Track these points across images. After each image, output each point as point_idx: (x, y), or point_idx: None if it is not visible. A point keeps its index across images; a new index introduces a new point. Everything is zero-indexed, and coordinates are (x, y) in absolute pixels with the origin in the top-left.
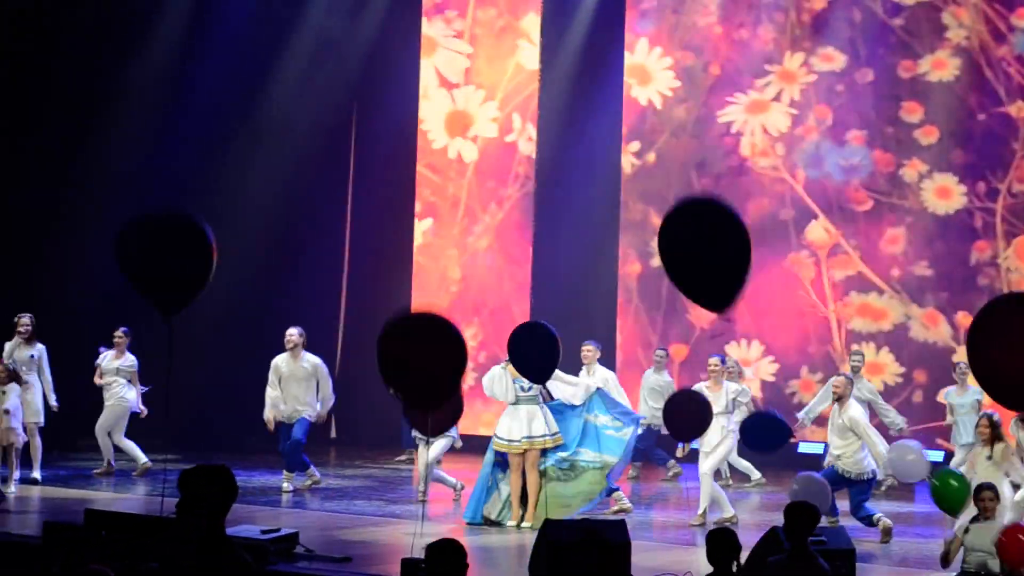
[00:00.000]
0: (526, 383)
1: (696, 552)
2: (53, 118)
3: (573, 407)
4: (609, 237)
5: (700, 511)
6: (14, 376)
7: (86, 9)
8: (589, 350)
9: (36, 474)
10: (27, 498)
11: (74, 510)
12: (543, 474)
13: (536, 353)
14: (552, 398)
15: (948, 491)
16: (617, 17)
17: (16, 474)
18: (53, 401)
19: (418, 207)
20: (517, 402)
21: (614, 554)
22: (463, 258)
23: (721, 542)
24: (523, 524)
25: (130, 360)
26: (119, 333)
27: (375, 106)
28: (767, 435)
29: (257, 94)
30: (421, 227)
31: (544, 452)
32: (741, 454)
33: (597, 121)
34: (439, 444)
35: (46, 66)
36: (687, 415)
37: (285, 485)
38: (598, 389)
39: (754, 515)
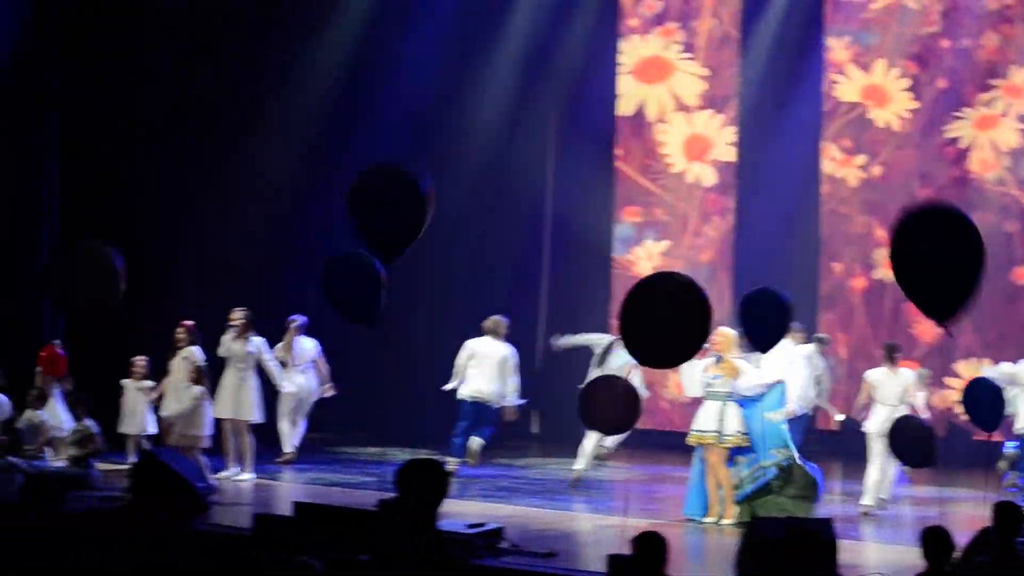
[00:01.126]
0: (710, 377)
1: (905, 552)
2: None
3: (753, 402)
4: (810, 247)
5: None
6: (200, 377)
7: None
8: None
9: (247, 473)
10: (237, 491)
11: (284, 503)
12: (766, 490)
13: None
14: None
15: None
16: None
17: (232, 470)
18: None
19: (636, 218)
20: (707, 396)
21: (821, 553)
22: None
23: (936, 541)
24: (723, 520)
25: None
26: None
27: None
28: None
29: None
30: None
31: (733, 451)
32: None
33: (797, 120)
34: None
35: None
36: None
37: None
38: (782, 384)
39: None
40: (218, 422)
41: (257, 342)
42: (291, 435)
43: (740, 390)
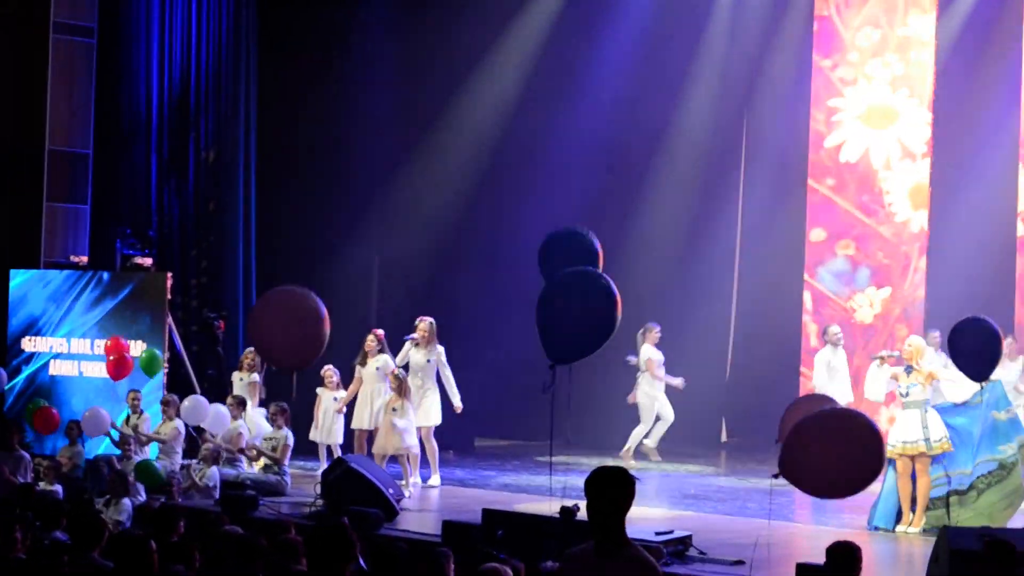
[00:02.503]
0: (904, 387)
1: None
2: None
3: (972, 407)
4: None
5: None
6: (403, 386)
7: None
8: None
9: (434, 478)
10: (426, 498)
11: (472, 509)
12: (966, 494)
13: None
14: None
15: None
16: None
17: (415, 477)
18: (457, 401)
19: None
20: (904, 407)
21: (1017, 565)
22: None
23: None
24: (909, 529)
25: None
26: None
27: (766, 117)
28: None
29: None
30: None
31: (935, 459)
32: None
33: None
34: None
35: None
36: None
37: None
38: (998, 382)
39: None
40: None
41: (439, 351)
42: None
43: (951, 397)
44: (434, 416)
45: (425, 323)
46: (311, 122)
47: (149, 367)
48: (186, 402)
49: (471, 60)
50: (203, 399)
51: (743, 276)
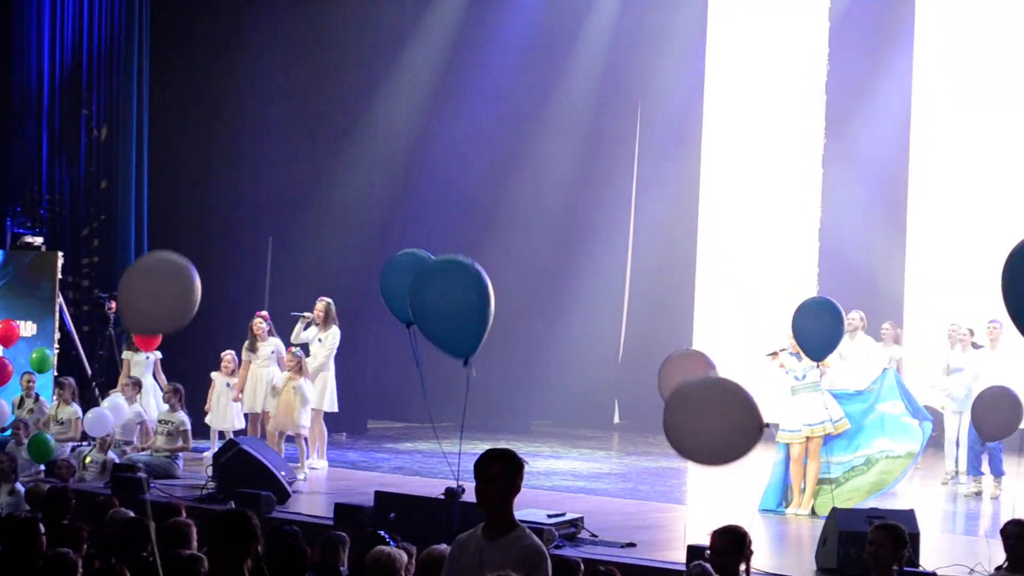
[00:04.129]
0: (799, 371)
1: (981, 543)
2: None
3: (862, 394)
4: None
5: None
6: (300, 366)
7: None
8: (852, 319)
9: (320, 462)
10: (319, 480)
11: (364, 492)
12: (834, 481)
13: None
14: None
15: None
16: None
17: (320, 460)
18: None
19: None
20: (794, 392)
21: (902, 543)
22: None
23: (1017, 535)
24: (799, 511)
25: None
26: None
27: (660, 100)
28: None
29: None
30: None
31: (828, 439)
32: None
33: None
34: None
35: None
36: None
37: None
38: (894, 374)
39: None
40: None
41: (333, 332)
42: None
43: (841, 385)
44: (327, 401)
45: (322, 303)
46: (205, 101)
47: (40, 366)
48: (89, 415)
49: (367, 39)
50: (106, 413)
51: (636, 257)
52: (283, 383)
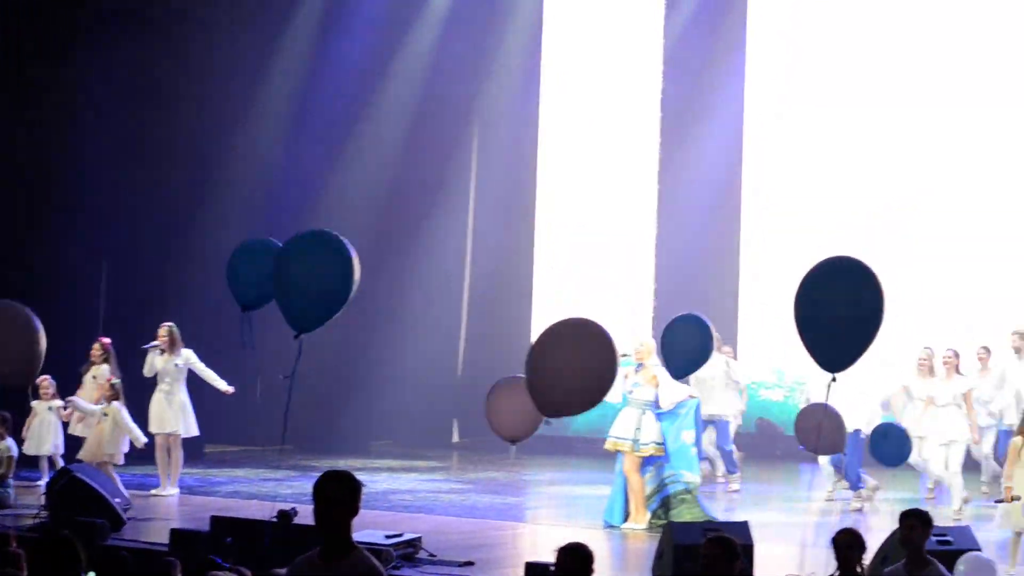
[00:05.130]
0: (629, 385)
1: (815, 553)
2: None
3: (672, 418)
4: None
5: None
6: (116, 394)
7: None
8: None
9: (171, 489)
10: (155, 507)
11: (201, 517)
12: (674, 499)
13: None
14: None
15: None
16: None
17: (161, 487)
18: (224, 386)
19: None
20: (624, 403)
21: (737, 555)
22: None
23: (846, 543)
24: (636, 526)
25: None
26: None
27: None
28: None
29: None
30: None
31: (646, 460)
32: None
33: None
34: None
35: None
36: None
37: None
38: (697, 405)
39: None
40: (152, 437)
41: (185, 354)
42: None
43: (660, 403)
44: (182, 424)
45: (164, 328)
46: (28, 117)
47: None
48: None
49: (196, 57)
50: None
51: (474, 274)
52: (99, 413)
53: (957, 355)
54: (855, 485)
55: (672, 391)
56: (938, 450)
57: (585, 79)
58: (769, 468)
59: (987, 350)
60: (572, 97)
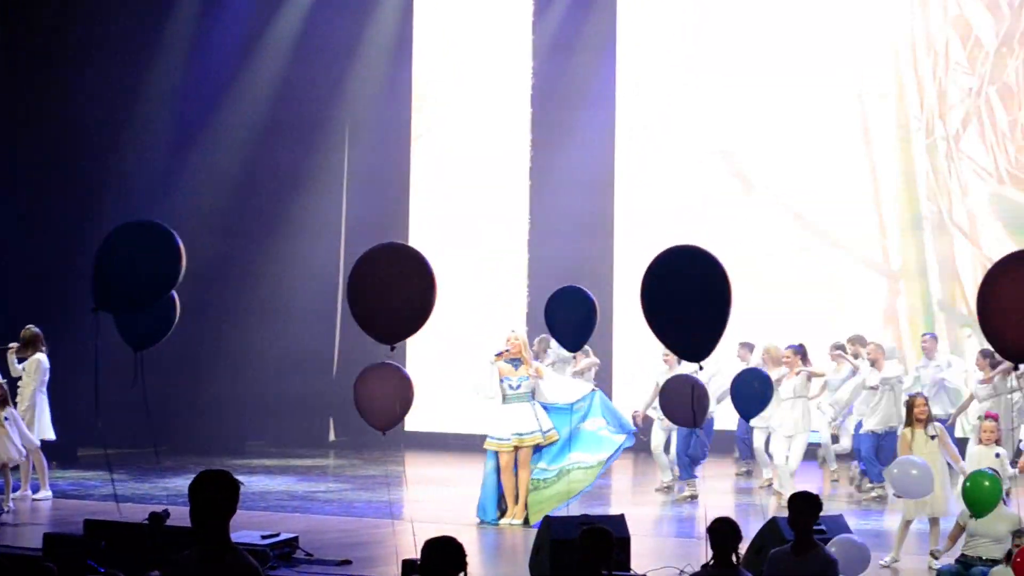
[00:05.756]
0: (515, 380)
1: (693, 544)
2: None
3: (569, 411)
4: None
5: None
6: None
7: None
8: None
9: (43, 492)
10: (27, 511)
11: (75, 521)
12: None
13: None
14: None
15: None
16: None
17: (22, 490)
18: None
19: None
20: (505, 400)
21: (614, 548)
22: None
23: (722, 532)
24: (513, 521)
25: None
26: None
27: (368, 111)
28: None
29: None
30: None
31: (538, 449)
32: None
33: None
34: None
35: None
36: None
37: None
38: (600, 395)
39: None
40: None
41: (32, 360)
42: None
43: (552, 398)
44: (36, 429)
45: (25, 331)
46: None
47: None
48: None
49: (68, 49)
50: None
51: (347, 272)
52: None
53: (799, 351)
54: (689, 474)
55: (573, 386)
56: (783, 442)
57: (457, 58)
58: (644, 462)
59: (841, 348)
60: (444, 78)
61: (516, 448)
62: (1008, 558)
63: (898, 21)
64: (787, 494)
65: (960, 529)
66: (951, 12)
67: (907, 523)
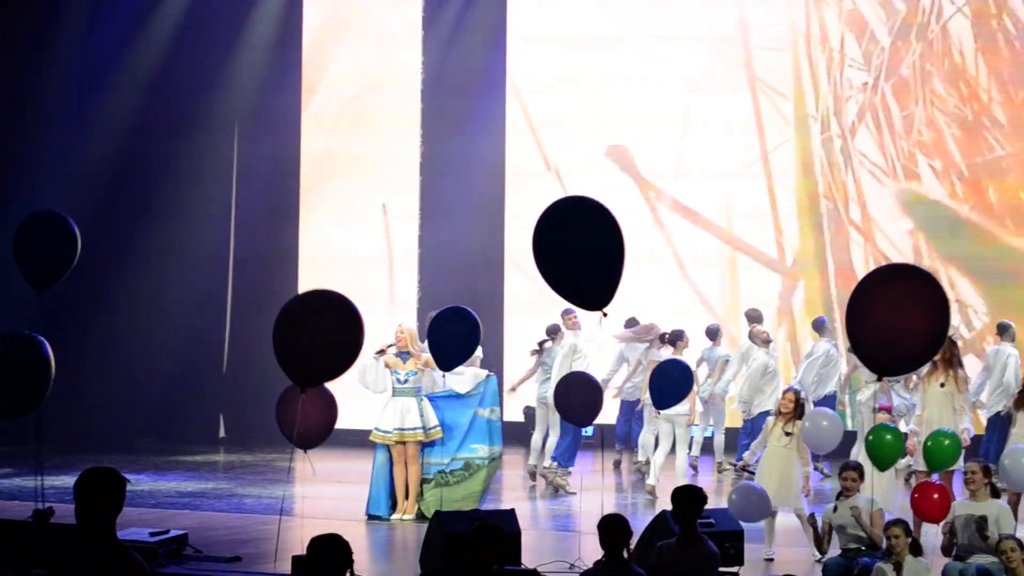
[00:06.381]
0: (402, 375)
1: (584, 539)
2: None
3: (466, 399)
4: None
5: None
6: None
7: None
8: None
9: None
10: None
11: None
12: (435, 480)
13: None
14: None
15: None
16: None
17: None
18: None
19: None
20: (393, 393)
21: (505, 543)
22: None
23: (612, 528)
24: (404, 516)
25: None
26: None
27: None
28: None
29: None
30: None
31: (424, 446)
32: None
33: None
34: None
35: None
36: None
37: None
38: (496, 381)
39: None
40: None
41: None
42: None
43: (454, 386)
44: None
45: None
46: None
47: None
48: None
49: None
50: None
51: (237, 264)
52: None
53: (677, 336)
54: (568, 461)
55: (468, 374)
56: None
57: (347, 47)
58: None
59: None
60: (334, 66)
61: (401, 443)
62: (888, 553)
63: (794, 16)
64: (653, 479)
65: (828, 527)
66: (846, 7)
67: (772, 514)
